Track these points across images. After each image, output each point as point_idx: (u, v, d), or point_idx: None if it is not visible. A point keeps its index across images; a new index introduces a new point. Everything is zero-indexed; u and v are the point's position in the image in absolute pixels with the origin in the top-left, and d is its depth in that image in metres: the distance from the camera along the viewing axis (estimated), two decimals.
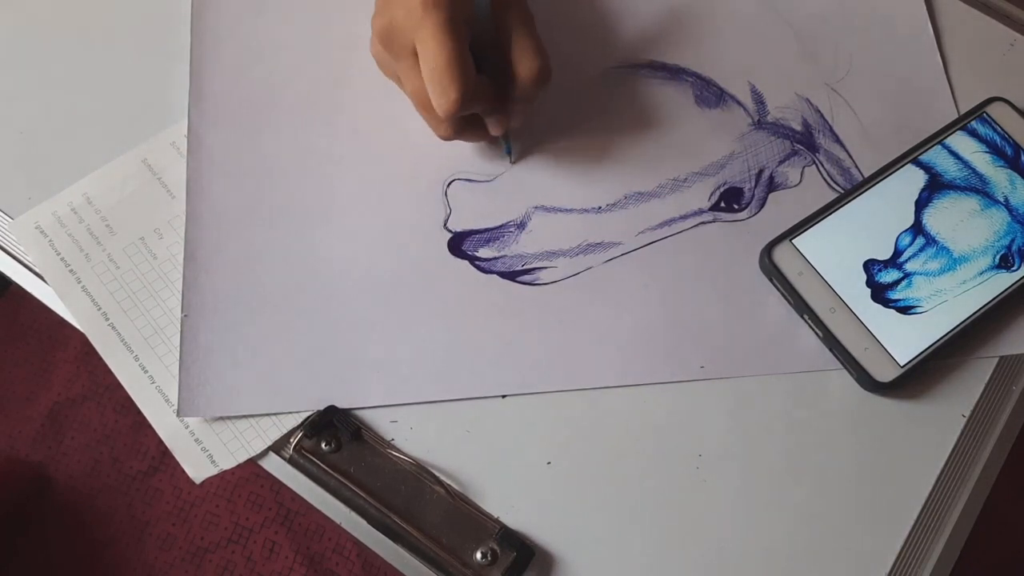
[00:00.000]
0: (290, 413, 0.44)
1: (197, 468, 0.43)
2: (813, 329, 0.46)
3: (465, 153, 0.49)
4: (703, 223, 0.49)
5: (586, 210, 0.49)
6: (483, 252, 0.47)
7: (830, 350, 0.46)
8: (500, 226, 0.48)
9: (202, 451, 0.43)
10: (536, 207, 0.48)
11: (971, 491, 0.44)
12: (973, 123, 0.49)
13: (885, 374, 0.44)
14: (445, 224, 0.48)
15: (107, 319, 0.45)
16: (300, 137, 0.49)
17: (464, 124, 0.45)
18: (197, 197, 0.47)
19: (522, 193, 0.49)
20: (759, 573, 0.43)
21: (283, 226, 0.47)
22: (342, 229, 0.47)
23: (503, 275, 0.47)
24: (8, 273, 0.47)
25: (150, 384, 0.44)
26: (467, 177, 0.49)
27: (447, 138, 0.46)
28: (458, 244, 0.47)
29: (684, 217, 0.49)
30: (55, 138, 0.49)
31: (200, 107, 0.49)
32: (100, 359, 0.44)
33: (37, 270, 0.46)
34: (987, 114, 0.50)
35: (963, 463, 0.45)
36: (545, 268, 0.47)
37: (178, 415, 0.43)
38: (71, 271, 0.45)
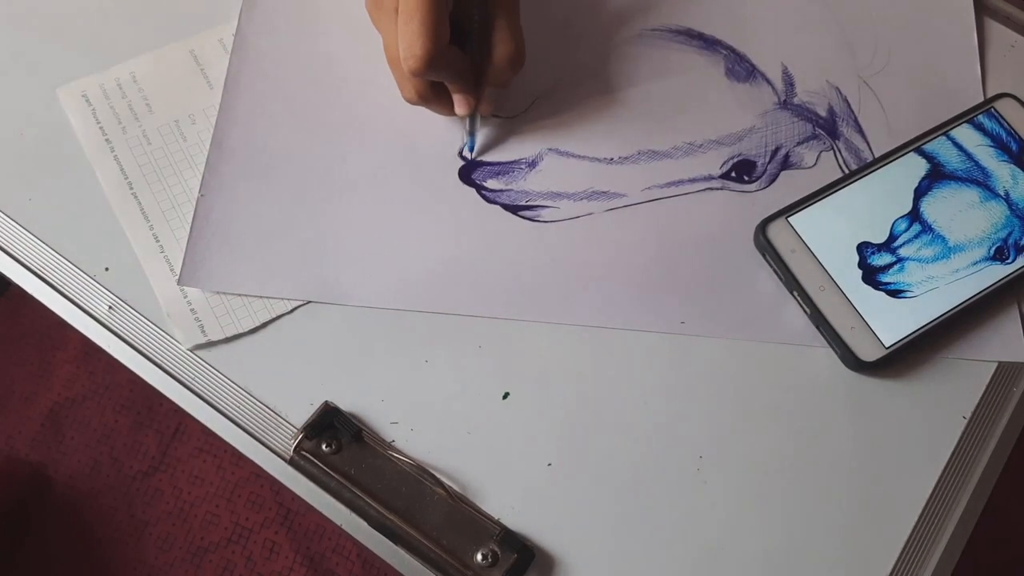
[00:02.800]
0: (281, 299, 0.46)
1: (187, 334, 0.45)
2: (801, 306, 0.46)
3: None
4: (711, 188, 0.50)
5: (598, 159, 0.50)
6: (491, 183, 0.49)
7: (816, 327, 0.46)
8: (512, 161, 0.50)
9: (195, 320, 0.46)
10: (550, 149, 0.50)
11: (972, 492, 0.44)
12: (980, 117, 0.50)
13: (869, 353, 0.45)
14: (460, 153, 0.49)
15: (131, 188, 0.48)
16: (339, 55, 0.52)
17: (431, 92, 0.46)
18: (234, 92, 0.50)
19: (539, 134, 0.50)
20: (762, 574, 0.43)
21: (308, 131, 0.50)
22: (362, 142, 0.50)
23: (506, 207, 0.49)
24: (8, 274, 0.47)
25: (159, 252, 0.47)
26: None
27: (411, 100, 0.47)
28: (468, 172, 0.49)
29: (693, 180, 0.50)
30: (114, 20, 0.52)
31: (251, 12, 0.52)
32: (100, 359, 0.45)
33: (76, 135, 0.49)
34: (995, 109, 0.50)
35: (964, 464, 0.45)
36: (548, 208, 0.49)
37: (178, 283, 0.46)
38: (107, 140, 0.49)
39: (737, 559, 0.43)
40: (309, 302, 0.46)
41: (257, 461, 0.43)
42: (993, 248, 0.47)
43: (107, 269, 0.47)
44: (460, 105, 0.47)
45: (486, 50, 0.45)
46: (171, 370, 0.45)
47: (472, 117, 0.48)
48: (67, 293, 0.46)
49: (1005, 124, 0.49)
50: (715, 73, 0.52)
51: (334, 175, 0.49)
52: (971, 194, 0.48)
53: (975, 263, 0.47)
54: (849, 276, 0.46)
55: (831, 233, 0.47)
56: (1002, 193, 0.48)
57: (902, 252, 0.47)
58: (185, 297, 0.46)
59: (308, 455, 0.42)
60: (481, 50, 0.45)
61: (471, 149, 0.50)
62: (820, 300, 0.46)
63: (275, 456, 0.43)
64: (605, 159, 0.50)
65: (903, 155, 0.49)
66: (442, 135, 0.50)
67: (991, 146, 0.49)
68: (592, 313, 0.47)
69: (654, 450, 0.44)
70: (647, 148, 0.50)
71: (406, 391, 0.45)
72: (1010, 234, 0.47)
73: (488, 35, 0.45)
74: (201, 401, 0.44)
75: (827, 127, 0.51)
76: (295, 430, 0.44)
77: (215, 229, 0.47)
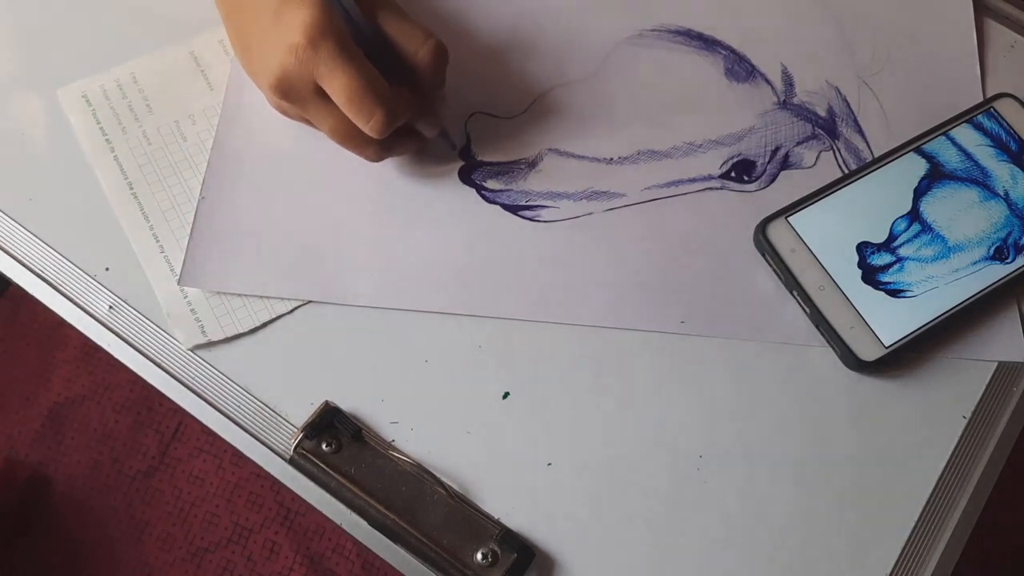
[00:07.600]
0: (281, 299, 0.46)
1: (188, 334, 0.45)
2: (801, 305, 0.46)
3: (490, 89, 0.51)
4: (710, 188, 0.50)
5: (598, 159, 0.50)
6: (491, 183, 0.49)
7: (816, 327, 0.46)
8: (512, 161, 0.50)
9: (195, 320, 0.46)
10: (550, 149, 0.50)
11: (972, 492, 0.44)
12: (979, 117, 0.50)
13: (869, 353, 0.45)
14: (460, 153, 0.50)
15: (131, 188, 0.48)
16: None
17: (391, 139, 0.45)
18: (235, 94, 0.50)
19: (539, 134, 0.50)
20: (761, 574, 0.43)
21: (308, 131, 0.49)
22: None
23: (506, 207, 0.49)
24: (8, 273, 0.47)
25: (159, 253, 0.47)
26: (489, 112, 0.50)
27: (378, 159, 0.46)
28: (468, 172, 0.49)
29: (693, 180, 0.50)
30: (115, 21, 0.52)
31: None
32: (100, 359, 0.45)
33: (76, 136, 0.49)
34: (994, 109, 0.50)
35: (964, 464, 0.45)
36: (547, 207, 0.49)
37: (179, 284, 0.46)
38: (107, 140, 0.49)
39: (737, 559, 0.43)
40: (309, 302, 0.46)
41: (257, 460, 0.43)
42: (993, 248, 0.47)
43: (107, 269, 0.47)
44: (428, 128, 0.47)
45: (407, 62, 0.44)
46: (171, 370, 0.45)
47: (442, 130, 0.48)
48: (67, 293, 0.46)
49: (1005, 124, 0.49)
50: (715, 74, 0.52)
51: (334, 175, 0.49)
52: (971, 194, 0.48)
53: (975, 263, 0.47)
54: (849, 276, 0.46)
55: (831, 233, 0.47)
56: (1001, 193, 0.48)
57: (902, 252, 0.47)
58: (185, 297, 0.46)
59: (308, 454, 0.43)
60: (400, 68, 0.44)
61: (453, 147, 0.49)
62: (820, 300, 0.46)
63: (275, 455, 0.43)
64: (605, 159, 0.50)
65: (903, 155, 0.49)
66: (441, 135, 0.50)
67: (991, 146, 0.49)
68: (592, 313, 0.47)
69: (654, 450, 0.44)
70: (647, 148, 0.50)
71: (406, 391, 0.45)
72: (1010, 234, 0.47)
73: (395, 49, 0.44)
74: (201, 401, 0.44)
75: (827, 127, 0.51)
76: (295, 429, 0.44)
77: (216, 229, 0.47)
